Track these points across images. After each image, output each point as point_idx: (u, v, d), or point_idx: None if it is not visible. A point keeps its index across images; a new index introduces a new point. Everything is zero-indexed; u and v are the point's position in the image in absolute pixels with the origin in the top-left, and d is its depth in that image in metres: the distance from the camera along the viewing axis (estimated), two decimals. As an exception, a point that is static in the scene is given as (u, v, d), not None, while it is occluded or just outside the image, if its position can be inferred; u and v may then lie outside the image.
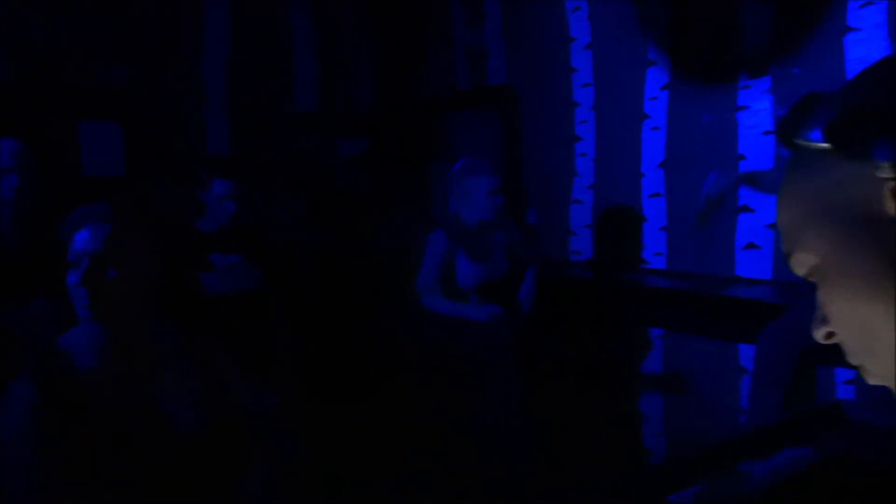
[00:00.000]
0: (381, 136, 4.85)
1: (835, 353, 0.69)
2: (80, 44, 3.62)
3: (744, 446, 1.61)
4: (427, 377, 3.19)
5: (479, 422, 2.93)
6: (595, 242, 3.85)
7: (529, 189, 4.18)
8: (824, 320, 0.65)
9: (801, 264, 0.64)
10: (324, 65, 4.67)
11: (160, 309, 1.67)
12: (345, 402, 3.26)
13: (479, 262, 3.09)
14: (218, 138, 4.15)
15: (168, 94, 3.93)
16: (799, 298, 2.54)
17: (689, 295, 3.17)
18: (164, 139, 3.83)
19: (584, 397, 3.41)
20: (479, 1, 4.41)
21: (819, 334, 0.66)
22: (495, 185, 3.10)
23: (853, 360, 0.65)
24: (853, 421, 1.64)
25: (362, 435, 3.01)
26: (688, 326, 3.30)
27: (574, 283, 3.64)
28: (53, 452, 1.44)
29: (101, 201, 1.61)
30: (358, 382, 3.37)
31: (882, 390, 0.65)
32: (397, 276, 3.26)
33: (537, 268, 3.29)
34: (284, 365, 3.01)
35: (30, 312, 2.16)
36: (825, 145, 0.60)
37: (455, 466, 2.89)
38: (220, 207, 2.89)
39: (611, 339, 3.69)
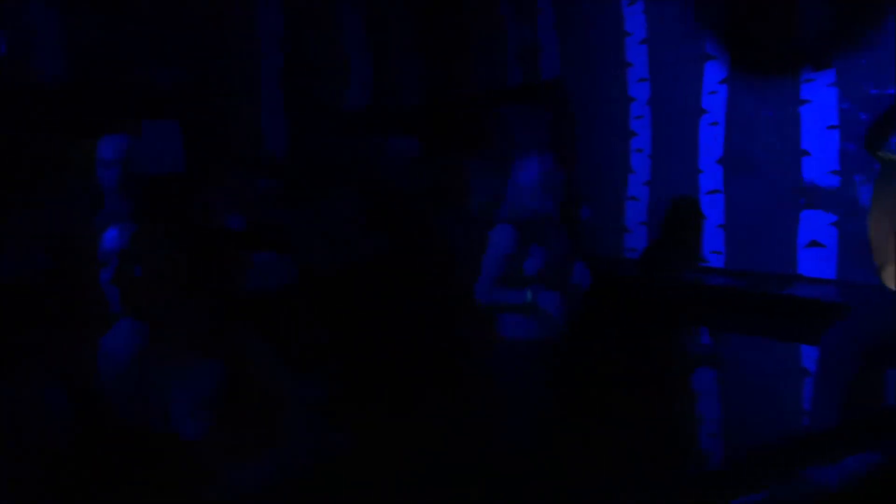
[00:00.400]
0: (430, 132, 4.85)
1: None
2: (142, 46, 3.71)
3: (808, 450, 1.57)
4: (473, 374, 3.19)
5: (516, 421, 2.91)
6: (651, 239, 3.79)
7: (582, 185, 4.14)
8: None
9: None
10: (374, 62, 4.69)
11: (193, 301, 1.70)
12: (385, 399, 3.28)
13: (546, 250, 3.03)
14: (274, 137, 4.21)
15: (225, 93, 4.00)
16: (865, 300, 2.46)
17: (748, 294, 3.09)
18: (222, 138, 3.90)
19: (637, 397, 3.37)
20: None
21: None
22: (557, 178, 3.05)
23: None
24: (925, 427, 1.59)
25: (400, 431, 3.02)
26: (747, 326, 3.22)
27: (628, 280, 3.59)
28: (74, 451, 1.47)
29: (129, 199, 1.67)
30: (401, 380, 3.38)
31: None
32: (457, 273, 3.25)
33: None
34: (321, 360, 3.04)
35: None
36: None
37: (493, 464, 2.88)
38: (263, 204, 2.94)
39: (665, 337, 3.63)
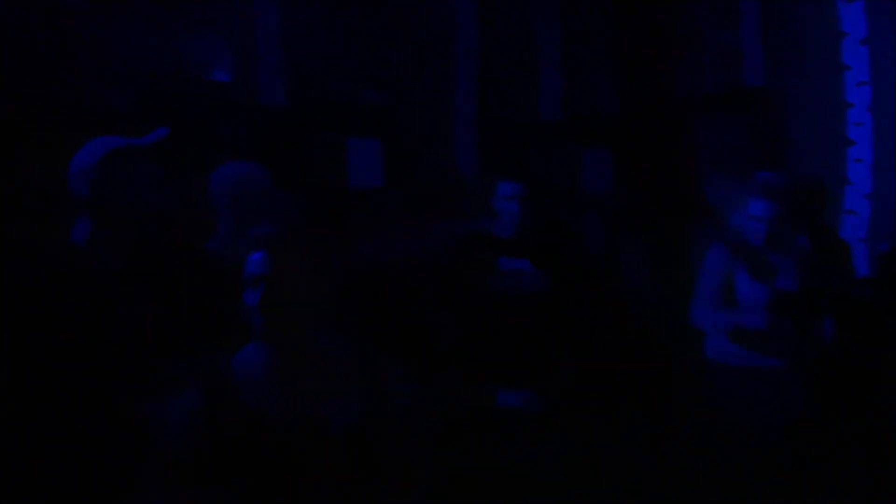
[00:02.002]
0: (625, 142, 4.75)
1: None
2: (352, 68, 3.95)
3: None
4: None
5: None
6: (877, 258, 3.46)
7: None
8: None
9: None
10: (568, 71, 4.67)
11: (332, 321, 1.69)
12: (615, 411, 3.24)
13: (762, 283, 2.88)
14: (466, 151, 4.31)
15: (422, 109, 4.16)
16: None
17: None
18: (418, 152, 4.06)
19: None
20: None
21: None
22: (784, 200, 2.87)
23: None
24: None
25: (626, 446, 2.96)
26: None
27: (851, 302, 3.29)
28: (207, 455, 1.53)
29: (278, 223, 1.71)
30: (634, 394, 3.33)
31: None
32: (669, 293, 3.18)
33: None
34: (559, 371, 3.03)
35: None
36: None
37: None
38: (508, 208, 2.96)
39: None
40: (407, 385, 1.71)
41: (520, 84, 4.53)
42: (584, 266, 3.20)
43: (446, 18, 4.27)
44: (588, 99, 4.74)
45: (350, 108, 3.92)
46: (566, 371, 3.00)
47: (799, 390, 2.76)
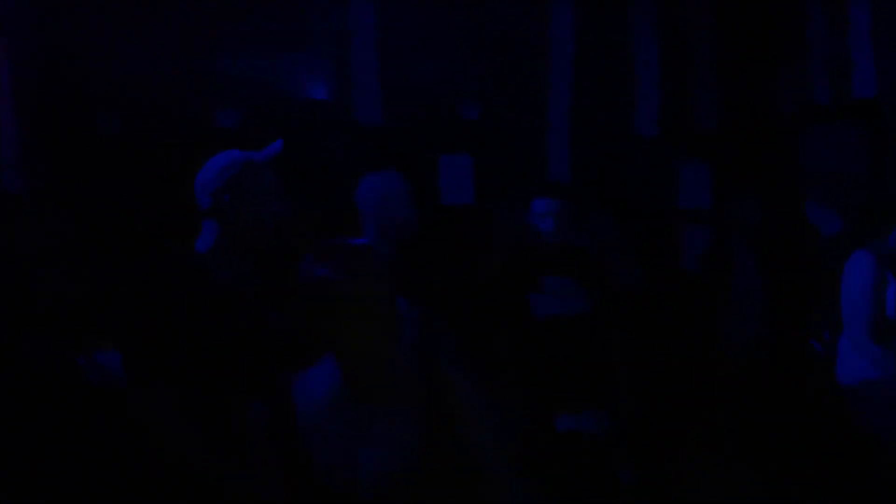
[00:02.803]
0: (726, 156, 4.62)
1: None
2: (447, 84, 4.02)
3: None
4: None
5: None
6: None
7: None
8: None
9: None
10: (668, 84, 4.58)
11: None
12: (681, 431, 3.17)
13: None
14: (558, 164, 4.30)
15: (514, 124, 4.18)
16: None
17: None
18: (509, 167, 4.08)
19: None
20: (840, 5, 4.00)
21: None
22: None
23: None
24: None
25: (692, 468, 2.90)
26: None
27: None
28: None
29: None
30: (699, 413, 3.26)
31: None
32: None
33: None
34: (616, 389, 2.99)
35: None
36: None
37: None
38: (542, 224, 2.96)
39: None
40: (480, 413, 1.70)
41: (615, 98, 4.48)
42: (625, 285, 3.13)
43: (541, 30, 4.28)
44: (686, 113, 4.64)
45: (444, 123, 3.98)
46: (628, 391, 2.94)
47: None
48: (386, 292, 1.67)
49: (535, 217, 2.99)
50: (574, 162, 4.25)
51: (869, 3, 3.86)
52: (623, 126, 4.45)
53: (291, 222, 1.99)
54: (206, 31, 3.64)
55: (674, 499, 2.88)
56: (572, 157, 4.25)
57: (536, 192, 3.09)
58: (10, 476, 1.68)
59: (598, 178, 4.29)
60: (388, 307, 1.68)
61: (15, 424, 1.70)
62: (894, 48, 3.74)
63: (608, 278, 3.09)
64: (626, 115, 4.47)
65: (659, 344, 3.46)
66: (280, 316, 1.81)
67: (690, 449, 3.21)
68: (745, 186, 4.23)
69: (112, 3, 3.54)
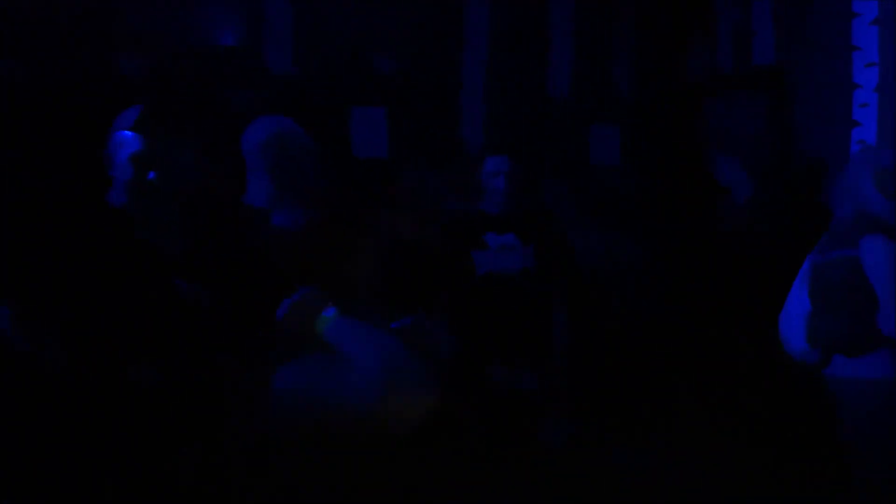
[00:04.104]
0: (637, 121, 4.75)
1: None
2: (361, 36, 3.95)
3: None
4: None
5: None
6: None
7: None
8: None
9: None
10: (579, 49, 4.65)
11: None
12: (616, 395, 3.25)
13: None
14: (472, 124, 4.33)
15: (429, 81, 4.16)
16: None
17: None
18: (422, 124, 4.07)
19: None
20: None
21: None
22: None
23: None
24: None
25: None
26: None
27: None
28: None
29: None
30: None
31: None
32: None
33: None
34: (551, 348, 3.02)
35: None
36: None
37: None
38: (493, 184, 2.92)
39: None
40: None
41: (530, 59, 4.53)
42: (564, 244, 3.18)
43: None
44: (598, 77, 4.73)
45: (362, 77, 3.93)
46: (558, 350, 3.00)
47: None
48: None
49: (486, 175, 2.96)
50: (487, 120, 4.28)
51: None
52: (537, 86, 4.51)
53: (205, 174, 1.92)
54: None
55: (602, 459, 2.95)
56: (486, 115, 4.28)
57: (487, 151, 3.05)
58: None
59: (510, 136, 4.34)
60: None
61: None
62: (793, 18, 3.89)
63: (551, 236, 3.12)
64: (539, 75, 4.53)
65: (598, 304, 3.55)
66: (197, 289, 1.74)
67: (624, 409, 3.30)
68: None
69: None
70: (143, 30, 3.58)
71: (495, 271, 2.89)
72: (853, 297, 2.45)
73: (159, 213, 1.74)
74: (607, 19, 4.75)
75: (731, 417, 3.24)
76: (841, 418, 2.59)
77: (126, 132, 1.73)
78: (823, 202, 3.70)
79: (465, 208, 3.06)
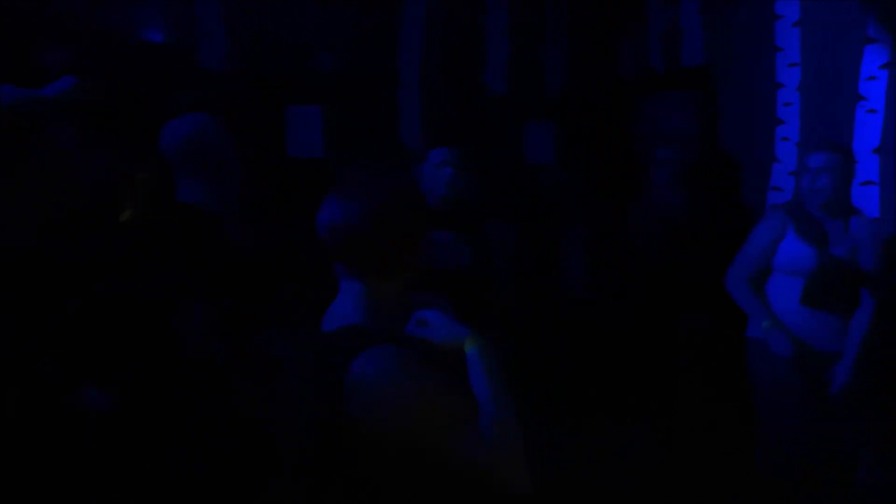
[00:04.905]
0: (570, 118, 4.80)
1: None
2: (295, 34, 3.88)
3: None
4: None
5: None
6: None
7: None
8: None
9: None
10: (514, 46, 4.68)
11: None
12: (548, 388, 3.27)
13: (812, 245, 2.77)
14: (410, 122, 4.31)
15: (365, 78, 4.12)
16: None
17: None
18: (359, 122, 4.03)
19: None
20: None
21: None
22: (846, 163, 2.81)
23: None
24: None
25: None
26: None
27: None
28: None
29: None
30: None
31: None
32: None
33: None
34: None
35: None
36: None
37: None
38: (438, 175, 2.87)
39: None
40: None
41: (466, 55, 4.53)
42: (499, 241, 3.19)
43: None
44: (534, 73, 4.77)
45: (296, 75, 3.86)
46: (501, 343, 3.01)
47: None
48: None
49: (432, 167, 2.89)
50: (424, 117, 4.27)
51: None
52: (473, 83, 4.51)
53: (114, 181, 1.80)
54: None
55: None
56: (423, 112, 4.27)
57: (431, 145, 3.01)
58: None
59: (447, 133, 4.33)
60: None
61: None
62: (722, 16, 3.99)
63: (488, 234, 3.10)
64: (476, 72, 4.54)
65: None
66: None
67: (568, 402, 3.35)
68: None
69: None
70: (64, 20, 3.43)
71: (433, 268, 2.88)
72: None
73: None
74: (541, 16, 4.79)
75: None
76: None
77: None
78: (742, 200, 3.85)
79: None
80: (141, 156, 2.11)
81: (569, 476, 2.89)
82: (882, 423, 2.81)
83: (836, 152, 2.78)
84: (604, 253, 4.22)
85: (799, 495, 2.77)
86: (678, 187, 4.07)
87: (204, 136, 2.15)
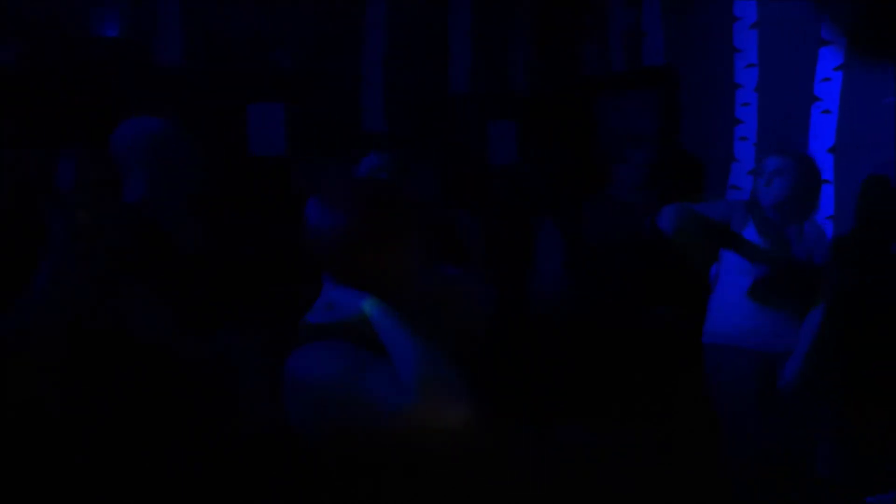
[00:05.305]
0: (533, 117, 4.82)
1: None
2: (255, 31, 3.84)
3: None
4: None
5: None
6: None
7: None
8: None
9: None
10: (477, 45, 4.68)
11: None
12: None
13: (768, 244, 2.81)
14: (373, 120, 4.29)
15: (328, 76, 4.09)
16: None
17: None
18: (323, 120, 4.00)
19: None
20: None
21: None
22: (809, 170, 2.80)
23: None
24: None
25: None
26: None
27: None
28: None
29: None
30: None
31: None
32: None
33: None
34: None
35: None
36: None
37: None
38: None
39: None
40: None
41: (429, 54, 4.52)
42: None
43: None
44: (497, 73, 4.78)
45: (256, 73, 3.81)
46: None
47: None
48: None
49: (371, 172, 2.88)
50: (388, 115, 4.25)
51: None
52: (437, 82, 4.51)
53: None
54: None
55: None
56: (386, 110, 4.25)
57: (359, 146, 2.99)
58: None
59: (411, 132, 4.32)
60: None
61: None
62: (682, 18, 4.04)
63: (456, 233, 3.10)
64: (439, 71, 4.53)
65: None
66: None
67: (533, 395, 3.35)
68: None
69: None
70: (17, 14, 3.34)
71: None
72: None
73: None
74: (504, 16, 4.80)
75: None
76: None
77: None
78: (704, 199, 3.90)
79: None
80: (93, 156, 2.10)
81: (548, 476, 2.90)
82: (835, 418, 2.86)
83: (789, 157, 2.81)
84: (569, 252, 4.24)
85: (759, 492, 2.81)
86: (640, 186, 4.11)
87: (154, 140, 2.12)
